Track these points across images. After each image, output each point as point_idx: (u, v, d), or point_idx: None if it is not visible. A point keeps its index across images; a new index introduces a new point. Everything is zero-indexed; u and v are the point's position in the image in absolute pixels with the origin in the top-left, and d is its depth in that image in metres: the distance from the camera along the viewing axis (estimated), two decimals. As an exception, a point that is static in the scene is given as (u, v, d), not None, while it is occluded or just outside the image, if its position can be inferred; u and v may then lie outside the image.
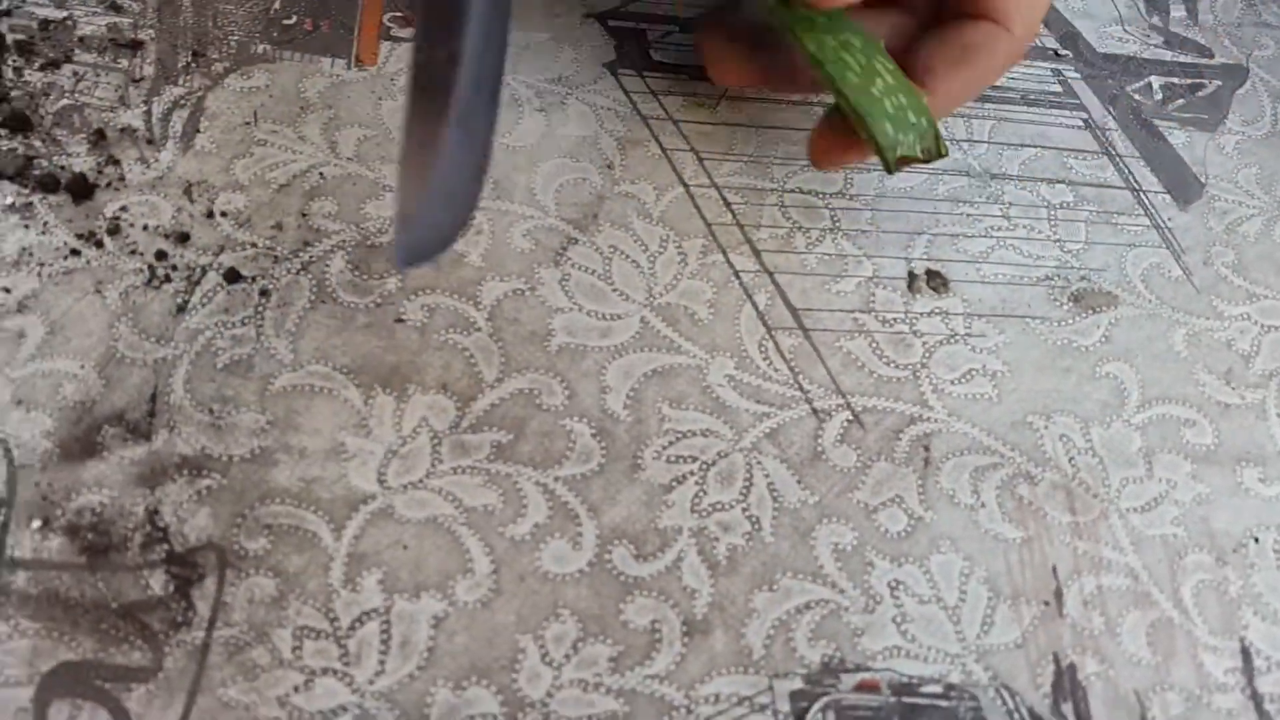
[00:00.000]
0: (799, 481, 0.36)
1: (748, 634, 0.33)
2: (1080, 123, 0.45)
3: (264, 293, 0.37)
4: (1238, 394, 0.39)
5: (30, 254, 0.36)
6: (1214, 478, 0.37)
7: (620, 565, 0.34)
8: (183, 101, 0.41)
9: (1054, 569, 0.35)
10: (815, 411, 0.37)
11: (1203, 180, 0.45)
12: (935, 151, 0.37)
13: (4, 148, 0.38)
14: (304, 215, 0.38)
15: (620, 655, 0.32)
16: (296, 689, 0.31)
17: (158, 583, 0.32)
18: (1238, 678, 0.34)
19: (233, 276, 0.37)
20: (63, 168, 0.38)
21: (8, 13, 0.41)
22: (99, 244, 0.37)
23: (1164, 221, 0.43)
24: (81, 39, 0.41)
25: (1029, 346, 0.39)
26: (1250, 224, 0.44)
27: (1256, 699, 0.34)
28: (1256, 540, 0.36)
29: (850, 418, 0.37)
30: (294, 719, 0.30)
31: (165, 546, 0.32)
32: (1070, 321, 0.40)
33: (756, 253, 0.40)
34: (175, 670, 0.31)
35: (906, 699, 0.32)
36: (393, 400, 0.35)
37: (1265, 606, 0.35)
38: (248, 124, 0.40)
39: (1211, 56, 0.49)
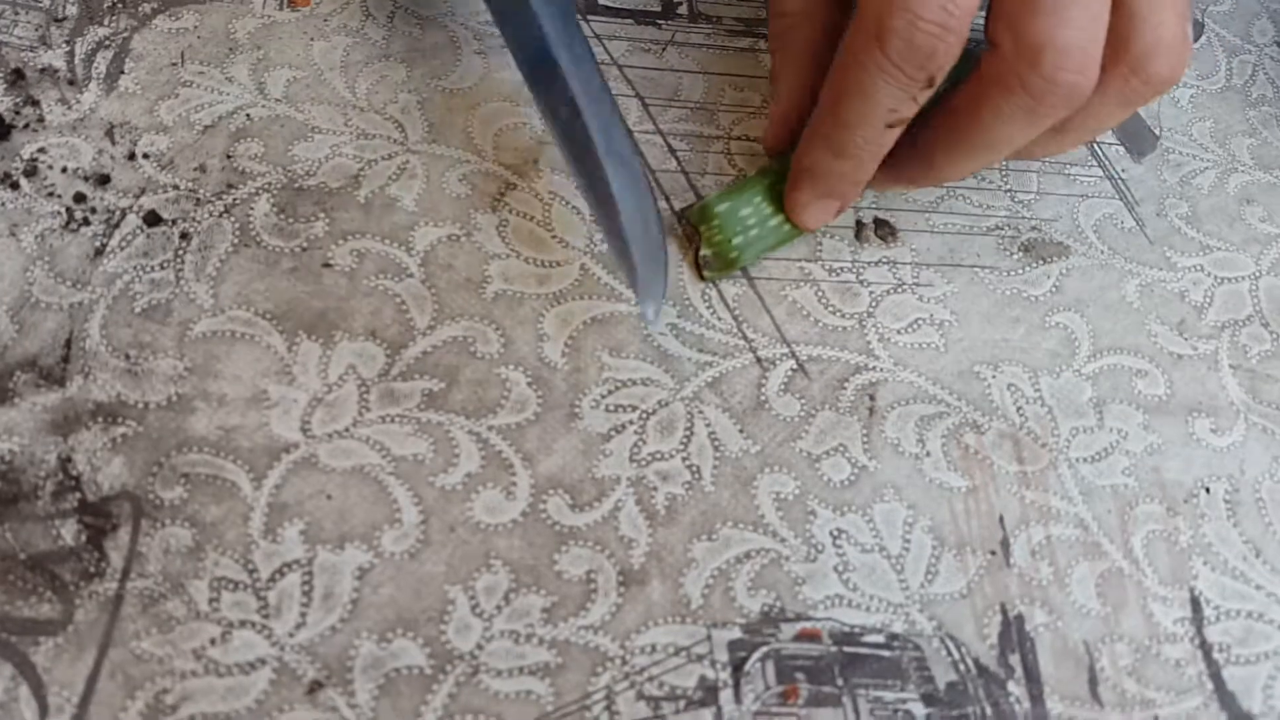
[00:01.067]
0: (741, 430, 0.35)
1: (686, 584, 0.32)
2: (1033, 73, 0.44)
3: (184, 236, 0.35)
4: (1190, 345, 0.39)
5: (-60, 195, 0.35)
6: (1165, 428, 0.37)
7: (555, 515, 0.32)
8: (107, 42, 0.39)
9: (1001, 519, 0.34)
10: (759, 360, 0.36)
11: (1157, 133, 0.44)
12: (708, 265, 0.37)
13: (-88, 85, 0.37)
14: (229, 157, 0.37)
15: (554, 606, 0.31)
16: (213, 641, 0.29)
17: (69, 533, 0.30)
18: (1187, 627, 0.33)
19: (153, 219, 0.35)
20: (-24, 107, 0.37)
21: (-81, -53, 0.39)
22: (14, 186, 0.35)
23: (1118, 173, 0.42)
24: (-2, -25, 0.39)
25: (977, 296, 0.38)
26: (1204, 176, 0.43)
27: (1205, 648, 0.33)
28: (1208, 490, 0.36)
29: (795, 366, 0.36)
30: (210, 672, 0.29)
31: (78, 495, 0.31)
32: (1020, 271, 0.39)
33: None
34: (86, 623, 0.29)
35: (848, 648, 0.31)
36: (318, 347, 0.34)
37: (1215, 556, 0.35)
38: (174, 65, 0.39)
39: (1167, 9, 0.48)
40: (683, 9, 0.43)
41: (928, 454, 0.35)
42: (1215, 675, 0.33)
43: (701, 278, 0.37)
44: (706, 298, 0.37)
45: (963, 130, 0.33)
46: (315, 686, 0.29)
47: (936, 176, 0.36)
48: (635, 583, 0.32)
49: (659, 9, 0.43)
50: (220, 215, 0.36)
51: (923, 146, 0.35)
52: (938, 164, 0.35)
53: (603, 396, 0.35)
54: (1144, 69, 0.32)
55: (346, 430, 0.33)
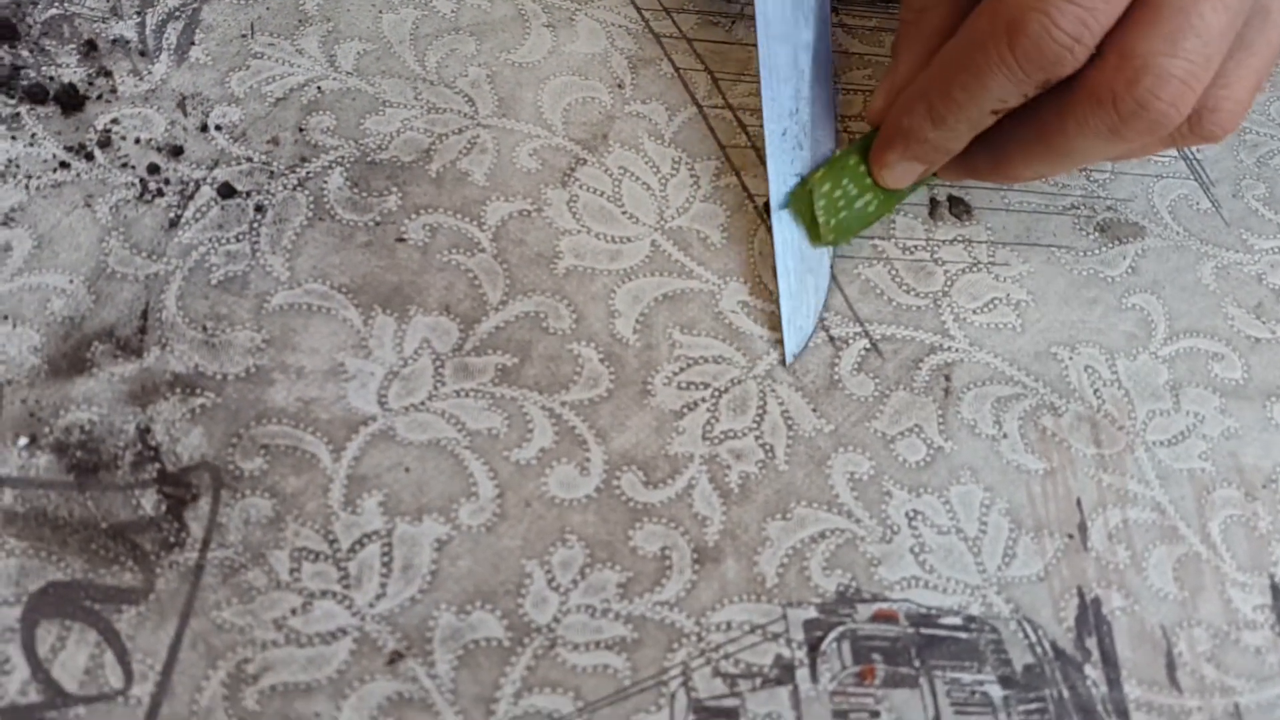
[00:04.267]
0: (814, 410, 0.34)
1: (760, 562, 0.32)
2: (1107, 50, 0.44)
3: (259, 208, 0.35)
4: (1268, 328, 0.38)
5: (17, 166, 0.35)
6: (1243, 412, 0.36)
7: (629, 491, 0.32)
8: (177, 13, 0.39)
9: (1078, 501, 0.34)
10: (832, 339, 0.36)
11: (1232, 111, 0.43)
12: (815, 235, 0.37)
13: (-10, 55, 0.37)
14: (301, 130, 0.37)
15: (629, 581, 0.31)
16: (294, 611, 0.30)
17: (149, 502, 0.31)
18: (1267, 614, 0.33)
19: (227, 191, 0.35)
20: (51, 78, 0.37)
21: (-6, -83, 0.39)
22: (89, 156, 0.36)
23: (1192, 153, 0.42)
24: (71, -54, 0.40)
25: (1054, 276, 0.38)
26: (1281, 157, 0.42)
27: (1287, 635, 0.33)
28: (1287, 476, 0.35)
29: (868, 346, 0.36)
30: (291, 642, 0.29)
31: (157, 465, 0.31)
32: (1096, 252, 0.39)
33: (772, 176, 0.38)
34: (167, 592, 0.29)
35: (925, 630, 0.31)
36: (393, 321, 0.34)
37: (1295, 543, 0.34)
38: (244, 36, 0.39)
39: (1242, -14, 0.47)
40: (752, -17, 0.43)
41: (1004, 436, 0.35)
42: (1297, 663, 0.32)
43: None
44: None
45: (1045, 134, 0.33)
46: (395, 657, 0.29)
47: (1006, 175, 0.35)
48: (710, 560, 0.32)
49: (728, -17, 0.43)
50: (294, 188, 0.36)
51: (999, 143, 0.34)
52: (1012, 163, 0.34)
53: (675, 374, 0.34)
54: (1198, 120, 0.32)
55: (422, 404, 0.33)
